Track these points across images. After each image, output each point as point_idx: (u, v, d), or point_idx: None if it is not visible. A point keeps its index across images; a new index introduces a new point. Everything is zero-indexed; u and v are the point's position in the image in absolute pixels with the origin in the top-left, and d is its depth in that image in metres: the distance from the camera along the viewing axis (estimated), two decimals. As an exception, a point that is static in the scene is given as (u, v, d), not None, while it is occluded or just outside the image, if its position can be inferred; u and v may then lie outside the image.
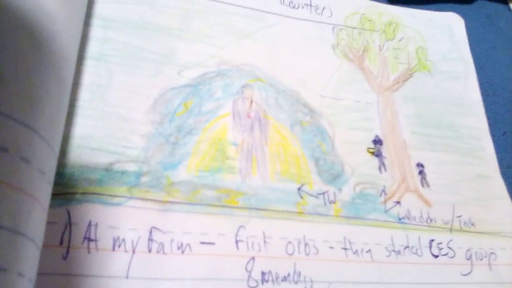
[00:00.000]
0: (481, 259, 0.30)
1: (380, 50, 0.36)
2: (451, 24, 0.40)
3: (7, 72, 0.16)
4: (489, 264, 0.30)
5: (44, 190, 0.17)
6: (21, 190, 0.15)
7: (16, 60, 0.16)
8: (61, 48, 0.19)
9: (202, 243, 0.24)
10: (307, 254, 0.26)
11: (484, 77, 0.40)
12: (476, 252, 0.30)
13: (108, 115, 0.25)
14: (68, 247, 0.21)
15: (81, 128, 0.24)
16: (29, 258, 0.15)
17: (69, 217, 0.22)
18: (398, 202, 0.30)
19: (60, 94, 0.18)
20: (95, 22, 0.28)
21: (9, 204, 0.14)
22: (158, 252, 0.23)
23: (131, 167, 0.24)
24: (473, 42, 0.41)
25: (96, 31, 0.27)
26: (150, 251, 0.23)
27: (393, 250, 0.28)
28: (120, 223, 0.23)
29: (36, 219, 0.16)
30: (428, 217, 0.30)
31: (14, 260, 0.14)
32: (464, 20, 0.41)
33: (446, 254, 0.30)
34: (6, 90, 0.15)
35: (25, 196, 0.15)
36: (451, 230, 0.31)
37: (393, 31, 0.37)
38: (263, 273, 0.25)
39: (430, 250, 0.29)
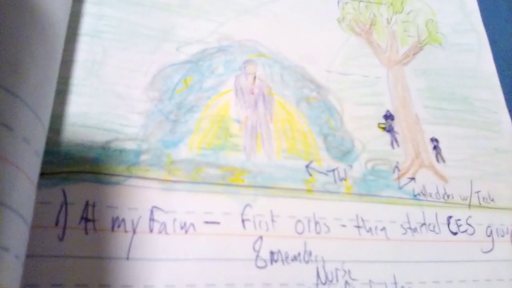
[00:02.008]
0: (503, 236, 0.29)
1: (388, 23, 0.35)
2: (461, -4, 0.38)
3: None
4: (512, 241, 0.29)
5: (30, 161, 0.15)
6: (3, 158, 0.14)
7: (-3, 23, 0.15)
8: (47, 15, 0.18)
9: (207, 222, 0.23)
10: (318, 233, 0.25)
11: (498, 51, 0.38)
12: (497, 229, 0.29)
13: (104, 93, 0.24)
14: (64, 227, 0.20)
15: (76, 105, 0.23)
16: (15, 233, 0.14)
17: (65, 196, 0.21)
18: (412, 178, 0.29)
19: (47, 62, 0.17)
20: (89, -1, 0.26)
21: (-10, 173, 0.13)
22: (160, 232, 0.22)
23: (130, 145, 0.23)
24: (486, 16, 0.39)
25: (90, 8, 0.26)
26: (151, 231, 0.22)
27: (409, 228, 0.27)
28: (119, 202, 0.22)
29: (22, 191, 0.15)
30: (445, 193, 0.29)
31: (-3, 232, 0.13)
32: (475, -8, 0.40)
33: (465, 231, 0.28)
34: (-14, 54, 0.14)
35: (8, 165, 0.14)
36: (469, 206, 0.29)
37: (401, 3, 0.36)
38: (272, 253, 0.23)
39: (448, 227, 0.28)
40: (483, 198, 0.30)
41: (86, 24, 0.26)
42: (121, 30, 0.26)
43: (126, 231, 0.21)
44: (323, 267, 0.24)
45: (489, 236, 0.29)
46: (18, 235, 0.15)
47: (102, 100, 0.24)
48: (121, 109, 0.24)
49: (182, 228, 0.22)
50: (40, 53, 0.16)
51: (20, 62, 0.15)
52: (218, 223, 0.23)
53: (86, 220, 0.21)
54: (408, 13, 0.36)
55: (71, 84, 0.24)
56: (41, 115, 0.16)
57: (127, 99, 0.24)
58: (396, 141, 0.30)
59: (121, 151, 0.23)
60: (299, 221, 0.25)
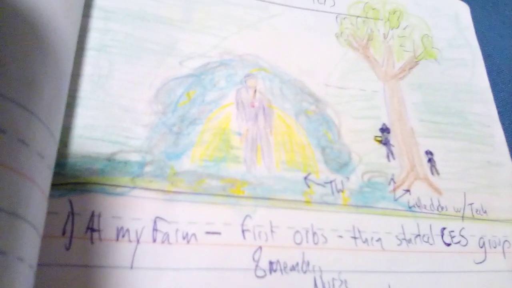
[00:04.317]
0: (495, 247, 0.30)
1: (385, 38, 0.36)
2: (456, 11, 0.40)
3: (5, 54, 0.15)
4: (504, 252, 0.30)
5: (44, 174, 0.16)
6: (19, 173, 0.14)
7: (14, 43, 0.16)
8: (59, 34, 0.18)
9: (208, 233, 0.24)
10: (316, 243, 0.25)
11: (491, 65, 0.39)
12: (489, 240, 0.30)
13: (110, 106, 0.25)
14: (71, 237, 0.21)
15: (82, 118, 0.24)
16: (29, 243, 0.15)
17: (72, 207, 0.22)
18: (407, 190, 0.29)
19: (59, 79, 0.18)
20: (96, 14, 0.27)
21: (7, 186, 0.14)
22: (163, 242, 0.23)
23: (134, 157, 0.24)
24: (480, 31, 0.40)
25: (96, 23, 0.27)
26: (154, 241, 0.23)
27: (404, 239, 0.28)
28: (124, 213, 0.22)
29: (36, 204, 0.15)
30: (439, 205, 0.30)
31: (13, 243, 0.14)
32: (470, 8, 0.41)
33: (458, 242, 0.29)
34: (4, 72, 0.15)
35: (24, 179, 0.15)
36: (463, 218, 0.30)
37: (398, 19, 0.37)
38: (271, 263, 0.24)
39: (442, 238, 0.29)
40: (476, 210, 0.31)
41: (93, 39, 0.26)
42: (127, 44, 0.27)
43: (130, 241, 0.22)
44: (321, 277, 0.25)
45: (481, 247, 0.29)
46: (32, 246, 0.15)
47: (108, 113, 0.25)
48: (126, 122, 0.25)
49: (184, 238, 0.23)
50: (53, 71, 0.17)
51: (35, 81, 0.16)
52: (219, 233, 0.24)
53: (92, 230, 0.22)
54: (404, 29, 0.37)
55: (78, 97, 0.24)
56: (53, 130, 0.17)
57: (132, 112, 0.25)
58: (392, 154, 0.31)
59: (126, 162, 0.24)
60: (297, 231, 0.26)
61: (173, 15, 0.30)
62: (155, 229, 0.23)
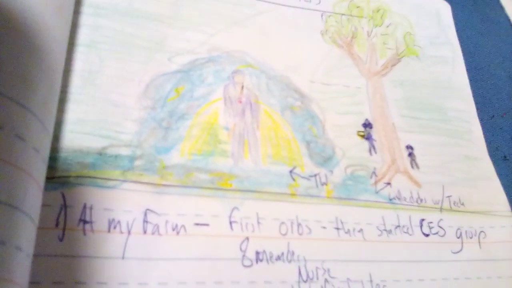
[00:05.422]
0: (471, 238, 0.31)
1: (369, 36, 0.37)
2: (438, 10, 0.41)
3: (1, 53, 0.16)
4: (479, 242, 0.31)
5: (39, 168, 0.17)
6: (17, 167, 0.15)
7: (9, 42, 0.16)
8: (51, 31, 0.19)
9: (197, 224, 0.25)
10: (300, 234, 0.27)
11: (471, 62, 0.40)
12: (466, 231, 0.31)
13: (100, 101, 0.25)
14: (64, 229, 0.22)
15: (73, 113, 0.24)
16: (27, 234, 0.16)
17: (64, 200, 0.22)
18: (388, 183, 0.31)
19: (52, 76, 0.19)
20: (85, 10, 0.28)
21: (6, 179, 0.15)
22: (153, 233, 0.23)
23: (125, 151, 0.25)
24: (460, 29, 0.41)
25: (86, 19, 0.27)
26: (145, 232, 0.23)
27: (385, 230, 0.29)
28: (115, 205, 0.23)
29: (32, 196, 0.16)
30: (418, 197, 0.31)
31: (12, 233, 0.15)
32: (451, 7, 0.42)
33: (436, 233, 0.30)
34: (0, 70, 0.16)
35: (21, 172, 0.15)
36: (441, 209, 0.31)
37: (381, 17, 0.38)
38: (257, 253, 0.25)
39: (421, 229, 0.30)
40: (454, 203, 0.32)
41: (83, 35, 0.27)
42: (116, 40, 0.28)
43: (121, 232, 0.23)
44: (305, 266, 0.26)
45: (458, 237, 0.31)
46: (29, 236, 0.16)
47: (99, 108, 0.25)
48: (116, 117, 0.25)
49: (173, 229, 0.24)
50: (46, 67, 0.18)
51: (30, 78, 0.16)
52: (207, 225, 0.25)
53: (84, 222, 0.22)
54: (387, 26, 0.38)
55: (69, 93, 0.25)
56: (47, 125, 0.18)
57: (122, 107, 0.26)
58: (374, 148, 0.32)
59: (116, 156, 0.24)
60: (282, 223, 0.27)
61: (161, 12, 0.30)
62: (145, 221, 0.24)
